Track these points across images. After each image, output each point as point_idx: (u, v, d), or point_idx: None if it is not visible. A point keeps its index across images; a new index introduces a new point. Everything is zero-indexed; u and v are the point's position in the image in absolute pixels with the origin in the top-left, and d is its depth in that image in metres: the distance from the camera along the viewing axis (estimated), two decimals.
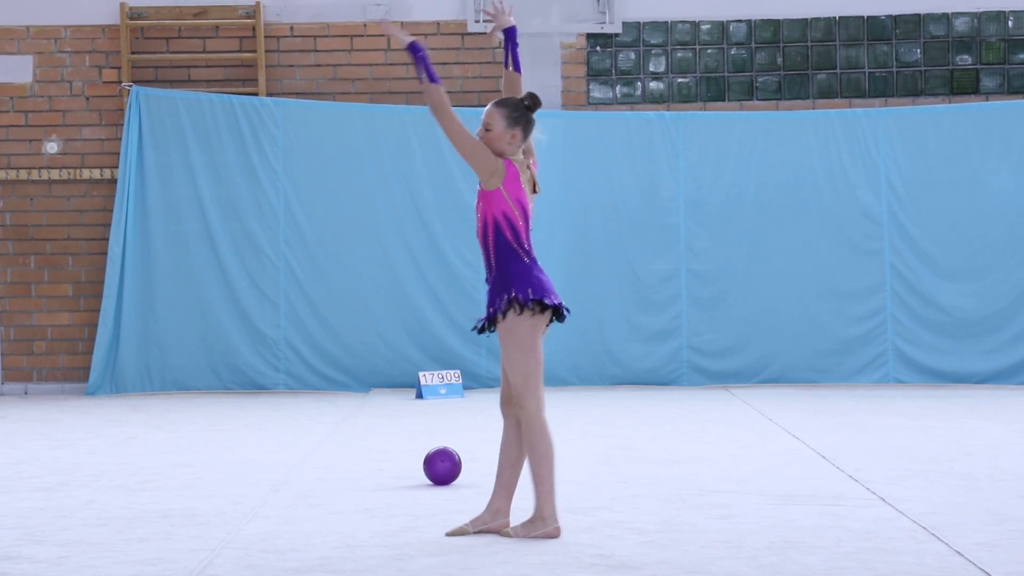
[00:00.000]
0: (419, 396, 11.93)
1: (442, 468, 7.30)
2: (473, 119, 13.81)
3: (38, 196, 13.01)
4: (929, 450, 8.42)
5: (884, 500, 6.64)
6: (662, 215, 12.73)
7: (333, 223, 12.74)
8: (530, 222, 6.12)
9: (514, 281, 5.96)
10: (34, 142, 13.02)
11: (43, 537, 6.03)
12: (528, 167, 6.21)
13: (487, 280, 6.07)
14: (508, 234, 6.01)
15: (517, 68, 6.66)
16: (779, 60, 13.13)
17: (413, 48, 6.31)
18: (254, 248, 12.71)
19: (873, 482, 7.15)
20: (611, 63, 13.15)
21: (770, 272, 12.62)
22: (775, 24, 13.13)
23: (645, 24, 13.14)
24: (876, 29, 13.11)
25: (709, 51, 13.14)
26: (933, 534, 5.82)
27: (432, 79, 6.29)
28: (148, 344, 12.65)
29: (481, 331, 6.07)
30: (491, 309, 5.98)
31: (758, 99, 13.13)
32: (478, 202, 6.11)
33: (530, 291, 5.95)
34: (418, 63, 6.29)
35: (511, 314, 5.93)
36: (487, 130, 6.28)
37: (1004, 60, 13.12)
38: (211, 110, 12.70)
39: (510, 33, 6.68)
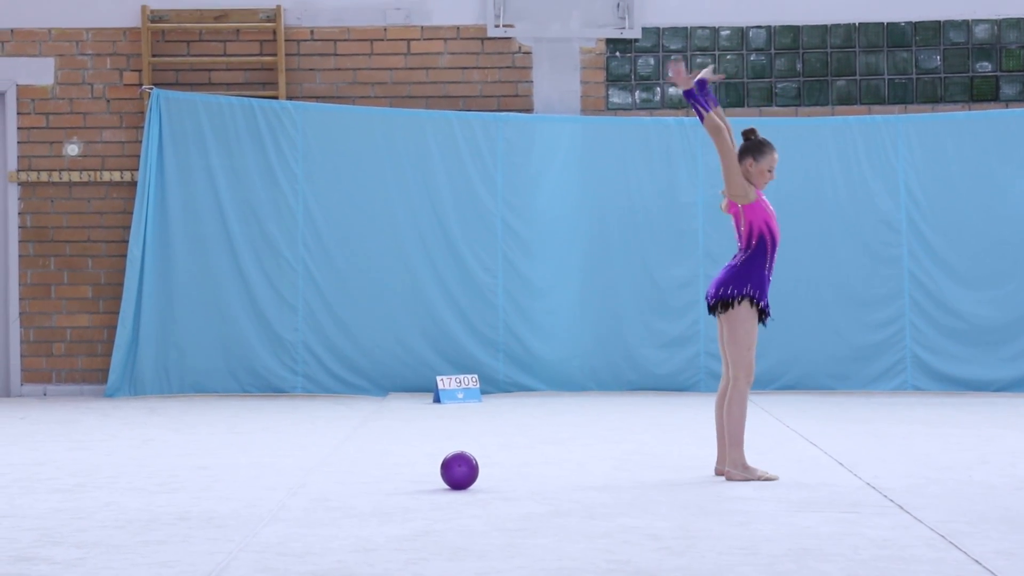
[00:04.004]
0: (436, 400, 11.94)
1: (459, 472, 7.30)
2: (492, 123, 13.83)
3: (58, 198, 13.06)
4: (947, 458, 8.40)
5: (902, 508, 6.63)
6: (681, 220, 12.72)
7: (352, 227, 12.76)
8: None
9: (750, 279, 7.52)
10: (55, 144, 13.08)
11: (61, 538, 6.05)
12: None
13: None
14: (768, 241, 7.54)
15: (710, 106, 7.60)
16: (798, 66, 13.12)
17: (687, 94, 7.56)
18: (273, 251, 12.73)
19: (891, 490, 7.14)
20: (630, 68, 13.15)
21: (788, 278, 12.59)
22: (795, 30, 13.12)
23: (664, 30, 13.14)
24: (896, 35, 13.09)
25: (728, 57, 13.14)
26: (951, 542, 5.81)
27: (705, 109, 7.50)
28: (167, 346, 12.69)
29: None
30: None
31: (777, 105, 13.13)
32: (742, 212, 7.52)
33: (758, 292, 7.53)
34: (692, 103, 7.54)
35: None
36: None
37: None
38: (231, 113, 12.74)
39: (699, 88, 7.61)
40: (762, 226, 7.50)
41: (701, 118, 7.52)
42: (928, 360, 12.61)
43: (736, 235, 7.62)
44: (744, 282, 7.48)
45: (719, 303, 7.52)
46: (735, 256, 7.59)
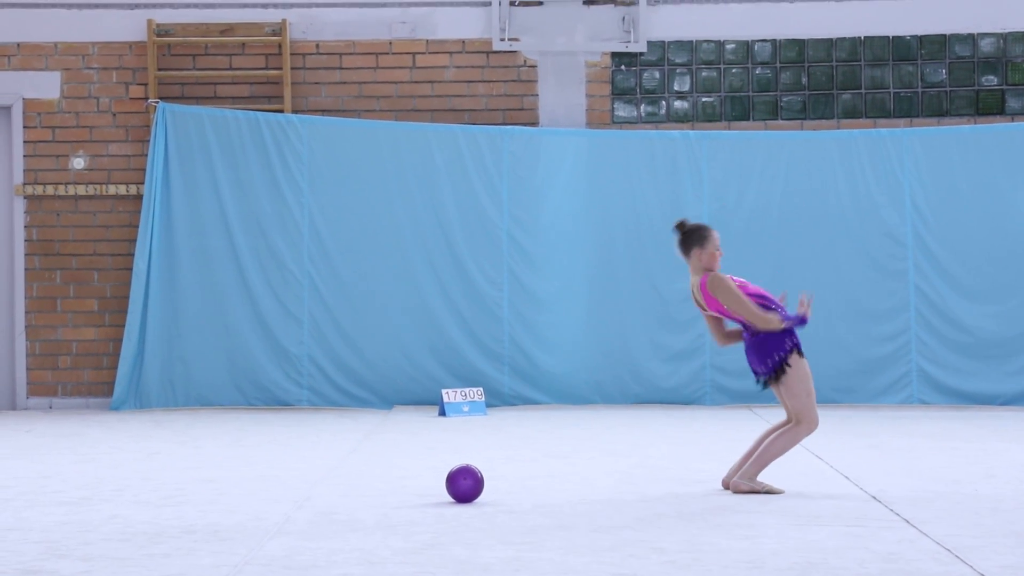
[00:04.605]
0: (442, 413, 11.94)
1: (465, 485, 7.30)
2: (497, 137, 13.84)
3: (64, 211, 13.08)
4: (953, 471, 8.39)
5: (908, 521, 6.62)
6: None
7: (357, 240, 12.77)
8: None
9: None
10: (61, 158, 13.10)
11: (67, 551, 6.05)
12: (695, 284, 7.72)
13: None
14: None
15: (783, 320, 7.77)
16: (804, 80, 13.13)
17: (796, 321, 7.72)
18: (278, 264, 12.74)
19: (896, 503, 7.13)
20: (636, 82, 13.16)
21: (794, 292, 12.53)
22: (800, 44, 13.13)
23: (670, 43, 13.15)
24: (901, 49, 13.10)
25: (734, 70, 13.15)
26: (957, 556, 5.80)
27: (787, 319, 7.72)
28: (172, 359, 12.69)
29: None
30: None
31: (783, 118, 13.13)
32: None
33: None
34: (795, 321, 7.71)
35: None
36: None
37: None
38: (237, 127, 12.76)
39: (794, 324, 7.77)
40: (753, 299, 7.63)
41: (785, 321, 7.66)
42: (934, 373, 12.59)
43: (740, 325, 7.68)
44: (782, 341, 7.60)
45: (777, 372, 7.57)
46: (751, 330, 7.64)
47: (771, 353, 7.59)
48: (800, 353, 7.61)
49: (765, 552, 5.93)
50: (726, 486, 7.68)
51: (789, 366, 7.56)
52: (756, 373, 7.67)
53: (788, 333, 7.60)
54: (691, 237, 7.64)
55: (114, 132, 13.10)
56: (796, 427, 7.60)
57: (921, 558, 5.79)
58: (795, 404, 7.59)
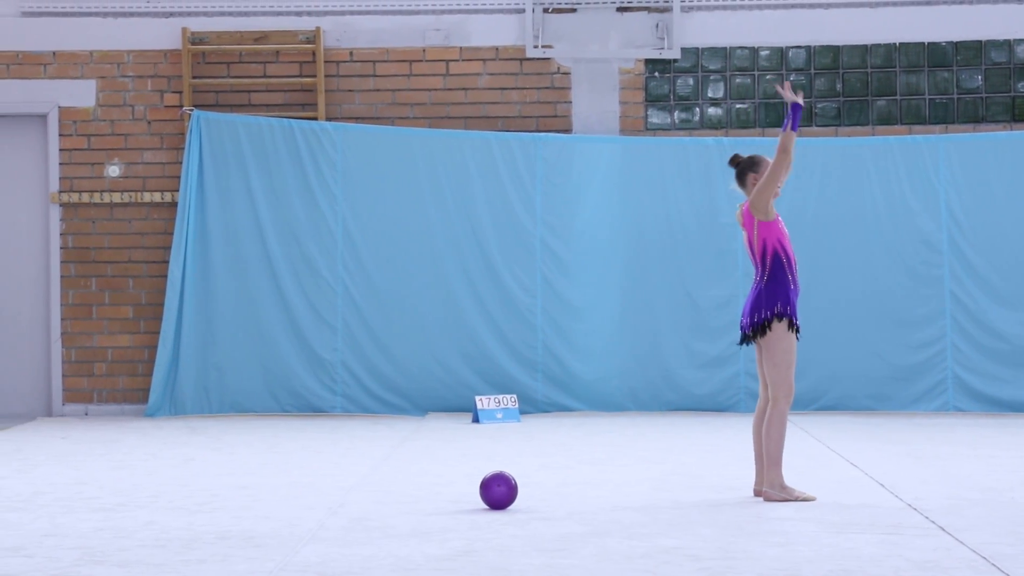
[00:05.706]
0: (475, 420, 11.95)
1: (499, 492, 7.30)
2: (531, 144, 13.84)
3: (100, 219, 13.14)
4: (989, 479, 8.35)
5: (943, 529, 6.59)
6: (720, 241, 12.69)
7: (391, 247, 12.79)
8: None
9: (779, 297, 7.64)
10: (96, 165, 13.16)
11: (103, 557, 6.08)
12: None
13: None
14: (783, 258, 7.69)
15: (785, 128, 7.70)
16: (838, 86, 13.09)
17: (796, 107, 7.64)
18: (312, 271, 12.78)
19: (932, 511, 7.10)
20: (669, 89, 13.15)
21: (828, 299, 12.55)
22: (835, 50, 13.09)
23: (704, 50, 13.13)
24: (937, 55, 13.04)
25: (768, 77, 13.11)
26: (993, 564, 5.77)
27: (795, 126, 7.63)
28: (207, 366, 12.73)
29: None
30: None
31: (817, 125, 13.09)
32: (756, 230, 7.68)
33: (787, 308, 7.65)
34: (795, 116, 7.62)
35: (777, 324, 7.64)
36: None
37: None
38: (271, 134, 12.80)
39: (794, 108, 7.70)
40: (776, 244, 7.67)
41: (789, 128, 7.59)
42: (970, 381, 12.52)
43: (749, 253, 7.76)
44: (773, 301, 7.63)
45: (756, 330, 7.60)
46: (756, 280, 7.72)
47: (761, 308, 7.60)
48: (793, 328, 7.59)
49: (800, 560, 5.91)
50: (758, 494, 7.66)
51: (770, 329, 7.57)
52: (743, 327, 7.67)
53: (784, 300, 7.59)
54: (746, 165, 7.80)
55: (149, 140, 13.17)
56: (775, 407, 7.60)
57: (957, 566, 5.76)
58: (772, 372, 7.61)
